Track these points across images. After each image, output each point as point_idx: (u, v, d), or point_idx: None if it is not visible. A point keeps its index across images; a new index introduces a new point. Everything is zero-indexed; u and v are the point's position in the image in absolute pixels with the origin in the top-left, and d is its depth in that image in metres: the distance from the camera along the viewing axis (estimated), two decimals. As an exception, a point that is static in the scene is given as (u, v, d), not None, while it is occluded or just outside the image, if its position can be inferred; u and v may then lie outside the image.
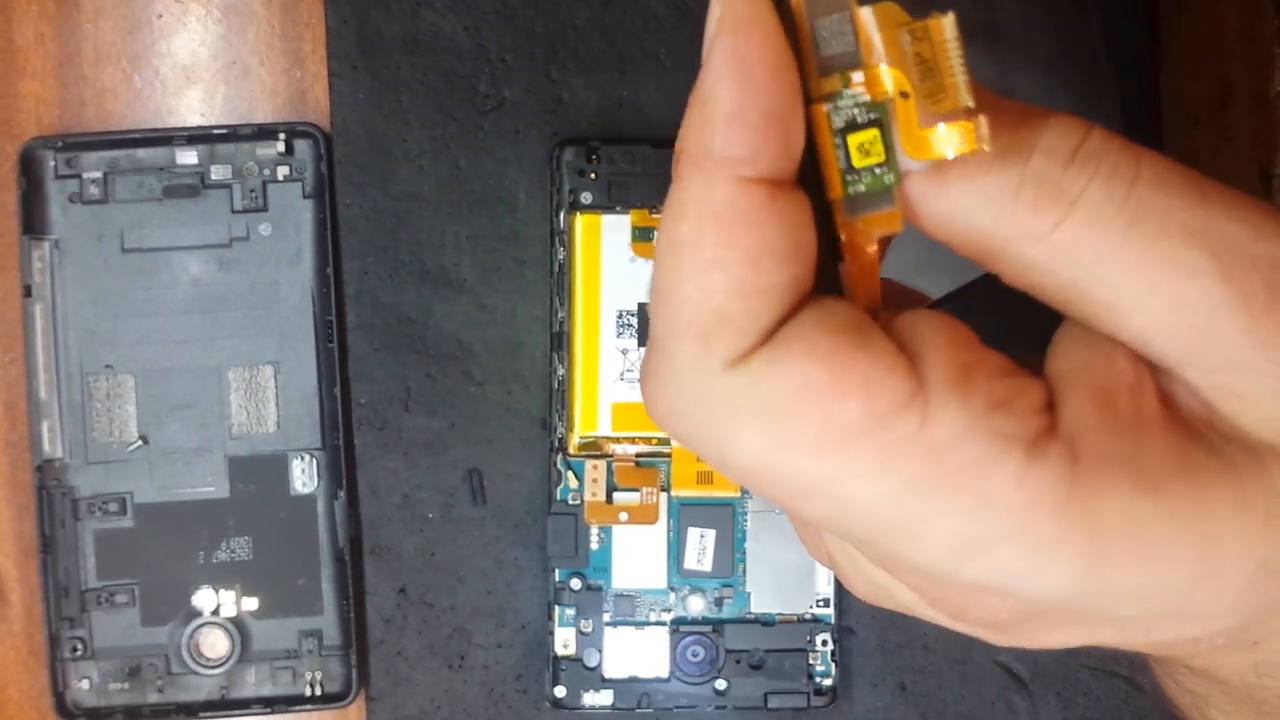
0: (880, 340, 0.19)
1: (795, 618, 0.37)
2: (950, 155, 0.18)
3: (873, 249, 0.20)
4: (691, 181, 0.19)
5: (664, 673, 0.37)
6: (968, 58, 0.18)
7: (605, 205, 0.37)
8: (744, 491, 0.37)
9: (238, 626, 0.37)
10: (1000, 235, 0.19)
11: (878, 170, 0.19)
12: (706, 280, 0.18)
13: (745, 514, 0.37)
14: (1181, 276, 0.19)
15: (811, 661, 0.37)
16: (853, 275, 0.20)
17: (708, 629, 0.37)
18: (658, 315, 0.19)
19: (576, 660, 0.37)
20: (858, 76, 0.19)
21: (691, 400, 0.19)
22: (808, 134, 0.19)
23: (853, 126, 0.19)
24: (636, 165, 0.37)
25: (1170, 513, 0.19)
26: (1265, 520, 0.19)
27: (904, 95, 0.18)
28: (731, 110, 0.18)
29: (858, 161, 0.19)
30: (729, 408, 0.19)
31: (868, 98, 0.19)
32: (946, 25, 0.18)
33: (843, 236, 0.19)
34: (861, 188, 0.19)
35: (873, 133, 0.19)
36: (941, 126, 0.18)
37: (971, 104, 0.18)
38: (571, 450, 0.37)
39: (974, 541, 0.19)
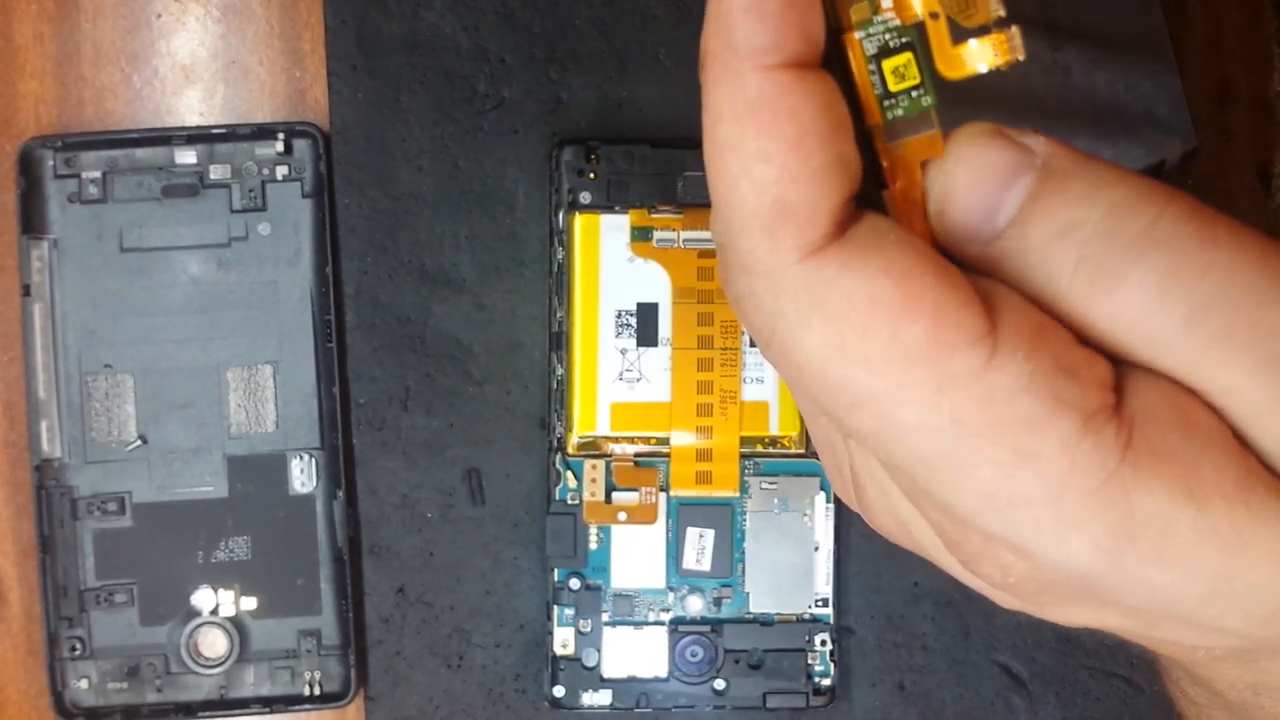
0: (958, 275, 0.19)
1: (794, 618, 0.37)
2: (984, 69, 0.18)
3: (917, 175, 0.19)
4: (720, 81, 0.18)
5: (663, 672, 0.37)
6: None
7: (604, 205, 0.37)
8: (743, 491, 0.37)
9: (236, 626, 0.37)
10: (1061, 295, 0.19)
11: (914, 93, 0.19)
12: (757, 174, 0.18)
13: (744, 514, 0.37)
14: (1243, 375, 0.18)
15: (810, 661, 0.37)
16: (898, 203, 0.20)
17: (706, 629, 0.37)
18: (720, 216, 0.19)
19: (575, 660, 0.37)
20: (887, 1, 0.19)
21: (766, 290, 0.19)
22: (844, 62, 0.19)
23: (886, 52, 0.19)
24: (635, 165, 0.37)
25: (1208, 527, 0.19)
26: None
27: (934, 16, 0.18)
28: (748, 1, 0.18)
29: (894, 86, 0.19)
30: (799, 303, 0.19)
31: (899, 22, 0.19)
32: None
33: (885, 163, 0.19)
34: (900, 112, 0.19)
35: (906, 56, 0.19)
36: (973, 42, 0.18)
37: (1003, 13, 0.18)
38: (570, 450, 0.37)
39: (1006, 495, 0.19)
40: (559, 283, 0.37)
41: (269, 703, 0.38)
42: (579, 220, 0.37)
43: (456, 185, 0.38)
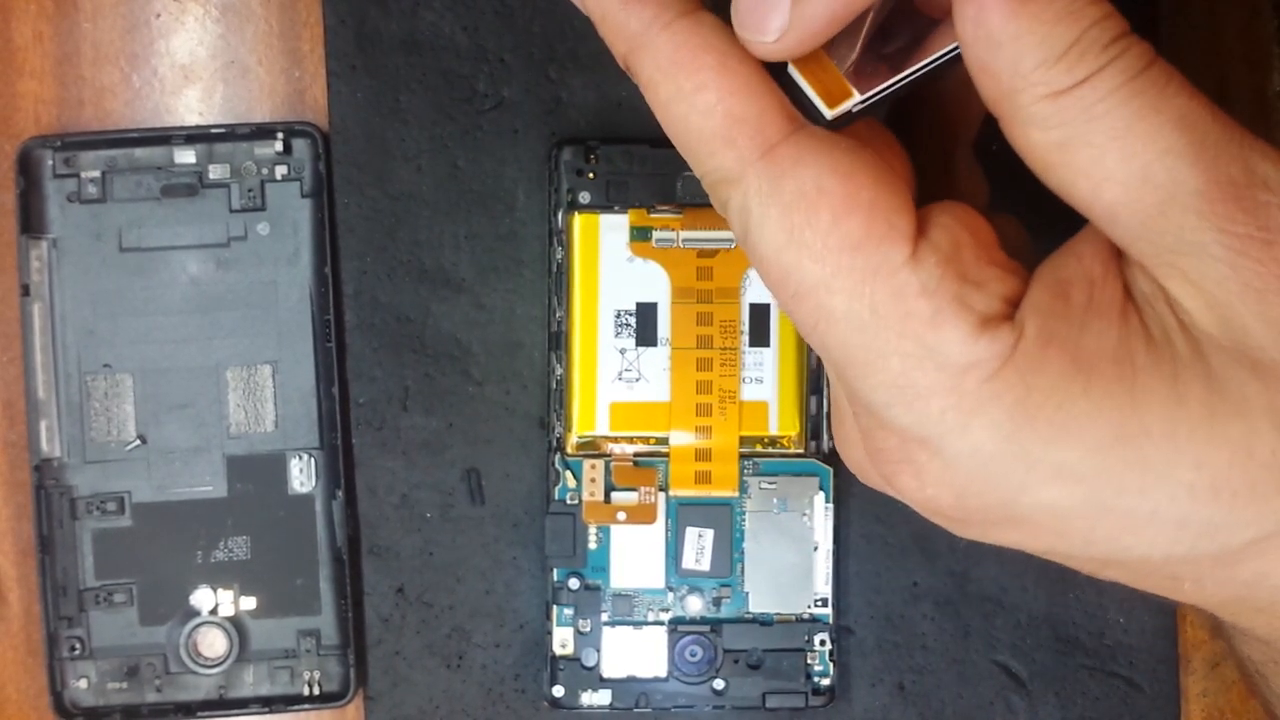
0: (898, 187, 0.21)
1: (793, 617, 0.37)
2: None
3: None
4: (642, 59, 0.22)
5: (662, 672, 0.37)
6: None
7: (603, 205, 0.37)
8: (742, 491, 0.37)
9: (236, 626, 0.37)
10: (1026, 79, 0.20)
11: None
12: (701, 103, 0.21)
13: (743, 514, 0.37)
14: (1157, 151, 0.20)
15: (810, 661, 0.37)
16: (799, 66, 0.22)
17: (706, 629, 0.37)
18: (692, 160, 0.22)
19: (575, 660, 0.37)
20: None
21: (737, 193, 0.22)
22: None
23: None
24: (635, 165, 0.37)
25: (1100, 394, 0.20)
26: (1204, 418, 0.20)
27: None
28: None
29: None
30: (761, 196, 0.21)
31: None
32: None
33: None
34: None
35: None
36: None
37: None
38: (570, 450, 0.37)
39: (913, 386, 0.21)
40: (558, 282, 0.37)
41: (268, 702, 0.38)
42: (578, 220, 0.37)
43: (456, 185, 0.38)
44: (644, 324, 0.36)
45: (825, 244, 0.21)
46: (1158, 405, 0.20)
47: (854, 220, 0.21)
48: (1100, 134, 0.20)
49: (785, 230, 0.21)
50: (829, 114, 0.22)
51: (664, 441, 0.37)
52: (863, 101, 0.22)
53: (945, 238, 0.21)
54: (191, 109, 0.38)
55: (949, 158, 0.26)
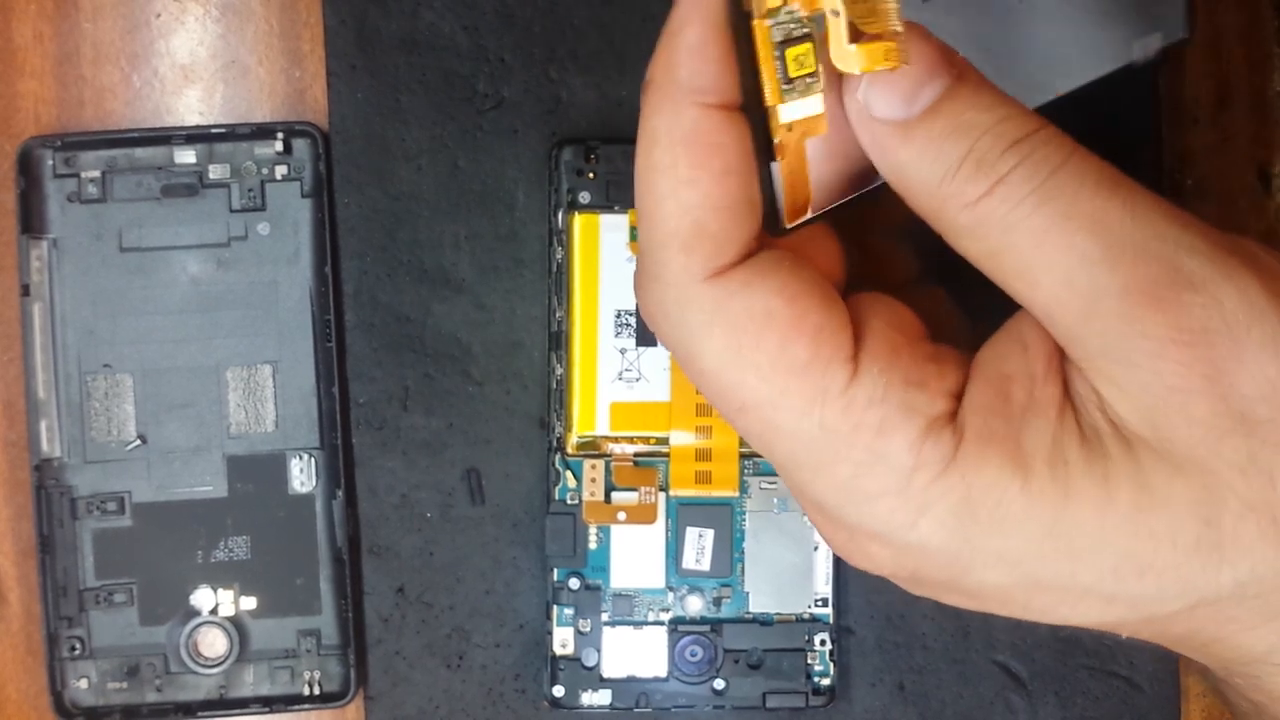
0: (838, 303, 0.22)
1: (793, 617, 0.37)
2: (865, 69, 0.20)
3: (803, 149, 0.22)
4: (660, 109, 0.21)
5: (662, 672, 0.37)
6: None
7: (604, 205, 0.37)
8: (742, 491, 0.37)
9: (236, 626, 0.37)
10: (940, 195, 0.21)
11: (809, 80, 0.21)
12: (684, 197, 0.21)
13: (744, 514, 0.37)
14: (1075, 259, 0.21)
15: (810, 661, 0.37)
16: (785, 176, 0.22)
17: (706, 629, 0.37)
18: (643, 230, 0.22)
19: (575, 660, 0.37)
20: None
21: (675, 301, 0.22)
22: (750, 46, 0.20)
23: (790, 41, 0.20)
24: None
25: (1035, 491, 0.21)
26: (1130, 514, 0.21)
27: (835, 13, 0.20)
28: (695, 43, 0.21)
29: (794, 72, 0.21)
30: (705, 314, 0.22)
31: (804, 13, 0.20)
32: None
33: (778, 140, 0.21)
34: (795, 96, 0.21)
35: (806, 46, 0.21)
36: (853, 47, 0.20)
37: (900, 29, 0.20)
38: (570, 450, 0.37)
39: (862, 490, 0.22)
40: (558, 282, 0.37)
41: (269, 702, 0.38)
42: (578, 220, 0.37)
43: (456, 185, 0.38)
44: (644, 324, 0.36)
45: (773, 366, 0.21)
46: (1089, 504, 0.21)
47: (800, 345, 0.21)
48: (1021, 241, 0.21)
49: (731, 349, 0.22)
50: (786, 226, 0.22)
51: (664, 441, 0.37)
52: (815, 218, 0.23)
53: (881, 343, 0.22)
54: (192, 109, 0.38)
55: (874, 238, 0.26)
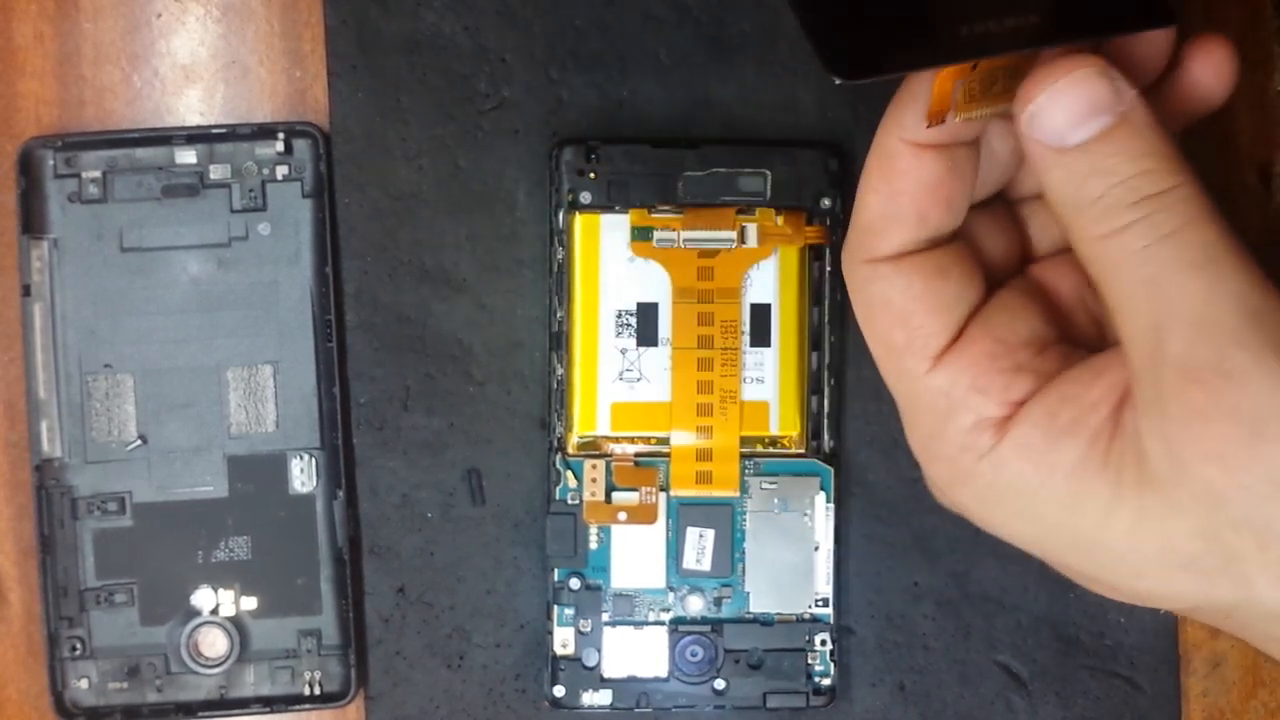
0: (950, 311, 0.27)
1: (794, 617, 0.37)
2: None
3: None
4: (881, 130, 0.27)
5: (663, 672, 0.37)
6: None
7: (604, 205, 0.37)
8: (743, 491, 0.37)
9: (236, 626, 0.37)
10: (1073, 217, 0.25)
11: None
12: (867, 200, 0.27)
13: (744, 514, 0.37)
14: (1151, 321, 0.24)
15: (810, 661, 0.37)
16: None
17: (706, 629, 0.37)
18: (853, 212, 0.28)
19: (575, 660, 0.37)
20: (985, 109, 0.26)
21: (846, 268, 0.28)
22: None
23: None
24: (636, 165, 0.37)
25: (1045, 497, 0.26)
26: (1128, 529, 0.25)
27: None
28: (907, 95, 0.26)
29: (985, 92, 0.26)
30: (856, 285, 0.28)
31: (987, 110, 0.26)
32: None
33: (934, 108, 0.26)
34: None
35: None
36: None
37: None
38: (570, 450, 0.37)
39: (928, 450, 0.28)
40: (559, 282, 0.37)
41: (269, 702, 0.38)
42: (579, 220, 0.37)
43: (457, 185, 0.38)
44: (645, 324, 0.36)
45: (879, 340, 0.28)
46: (1090, 524, 0.26)
47: (896, 333, 0.27)
48: (1123, 282, 0.25)
49: (863, 316, 0.28)
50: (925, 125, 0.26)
51: (665, 441, 0.37)
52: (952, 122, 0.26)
53: (968, 350, 0.27)
54: (192, 109, 0.38)
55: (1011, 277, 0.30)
